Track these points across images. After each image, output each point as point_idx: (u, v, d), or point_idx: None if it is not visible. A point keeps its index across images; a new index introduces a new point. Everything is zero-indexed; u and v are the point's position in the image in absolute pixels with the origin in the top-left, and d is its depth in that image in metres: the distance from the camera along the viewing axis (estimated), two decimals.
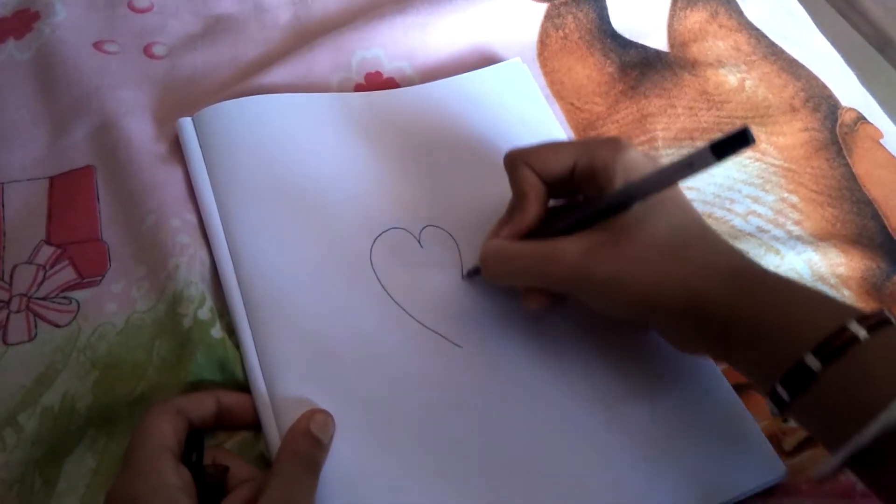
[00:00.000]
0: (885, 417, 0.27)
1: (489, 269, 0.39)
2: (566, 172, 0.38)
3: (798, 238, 0.48)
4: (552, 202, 0.40)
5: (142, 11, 0.55)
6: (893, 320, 0.30)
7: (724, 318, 0.33)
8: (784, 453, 0.39)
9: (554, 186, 0.39)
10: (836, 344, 0.29)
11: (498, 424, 0.38)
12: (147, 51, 0.53)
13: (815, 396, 0.30)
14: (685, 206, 0.37)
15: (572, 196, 0.41)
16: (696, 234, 0.36)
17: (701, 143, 0.52)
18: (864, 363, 0.29)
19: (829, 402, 0.30)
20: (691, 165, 0.32)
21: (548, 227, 0.39)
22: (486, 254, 0.39)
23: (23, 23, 0.53)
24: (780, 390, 0.31)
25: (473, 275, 0.42)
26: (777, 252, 0.47)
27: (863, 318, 0.30)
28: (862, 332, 0.29)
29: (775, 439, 0.39)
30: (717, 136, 0.30)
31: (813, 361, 0.30)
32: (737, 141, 0.30)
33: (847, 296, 0.46)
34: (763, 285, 0.33)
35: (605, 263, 0.35)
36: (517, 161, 0.39)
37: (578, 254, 0.36)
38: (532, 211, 0.38)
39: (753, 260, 0.35)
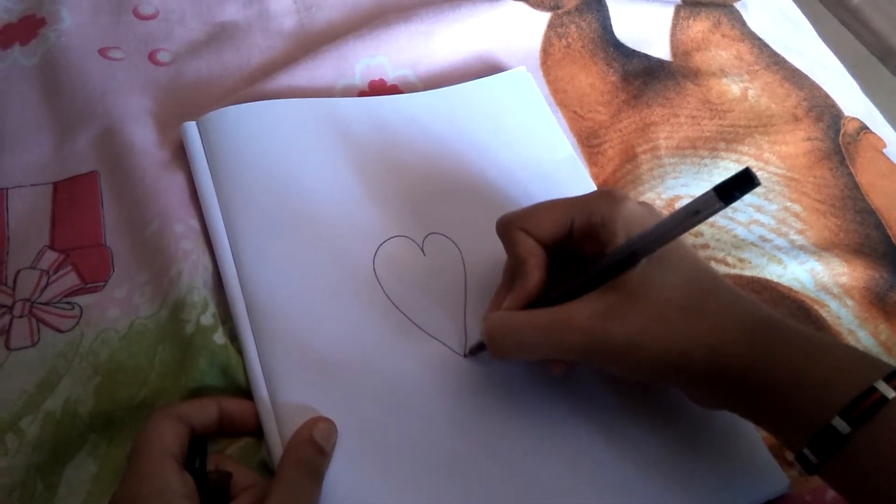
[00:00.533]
0: None
1: (497, 344, 0.36)
2: (564, 233, 0.37)
3: (801, 248, 0.48)
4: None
5: (147, 18, 0.55)
6: None
7: (747, 378, 0.32)
8: (787, 464, 0.39)
9: (552, 248, 0.37)
10: (864, 405, 0.28)
11: (500, 434, 0.38)
12: (152, 57, 0.53)
13: (846, 460, 0.29)
14: (693, 257, 0.36)
15: (572, 255, 0.39)
16: (711, 287, 0.34)
17: (706, 160, 0.52)
18: (894, 423, 0.28)
19: (861, 464, 0.29)
20: (697, 213, 0.31)
21: (552, 292, 0.36)
22: (491, 329, 0.36)
23: (29, 29, 0.53)
24: (809, 454, 0.30)
25: (477, 352, 0.40)
26: (780, 262, 0.47)
27: (890, 376, 0.29)
28: (891, 393, 0.28)
29: (778, 450, 0.39)
30: (721, 179, 0.29)
31: (841, 425, 0.28)
32: (741, 182, 0.28)
33: (850, 305, 0.46)
34: (784, 341, 0.32)
35: (620, 326, 0.33)
36: (511, 226, 0.37)
37: (590, 318, 0.33)
38: (534, 278, 0.36)
39: (770, 310, 0.34)
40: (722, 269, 0.46)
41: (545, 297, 0.36)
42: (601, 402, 0.39)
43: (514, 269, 0.38)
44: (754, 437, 0.39)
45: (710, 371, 0.32)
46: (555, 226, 0.37)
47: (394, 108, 0.50)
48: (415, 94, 0.51)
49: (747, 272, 0.46)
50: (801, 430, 0.30)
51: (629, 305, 0.33)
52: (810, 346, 0.32)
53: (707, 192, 0.29)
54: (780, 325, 0.33)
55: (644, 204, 0.37)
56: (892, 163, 0.54)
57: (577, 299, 0.35)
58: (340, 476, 0.35)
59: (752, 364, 0.32)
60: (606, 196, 0.36)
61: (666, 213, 0.48)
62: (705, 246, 0.48)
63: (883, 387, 0.28)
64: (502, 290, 0.39)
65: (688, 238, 0.48)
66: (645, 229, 0.34)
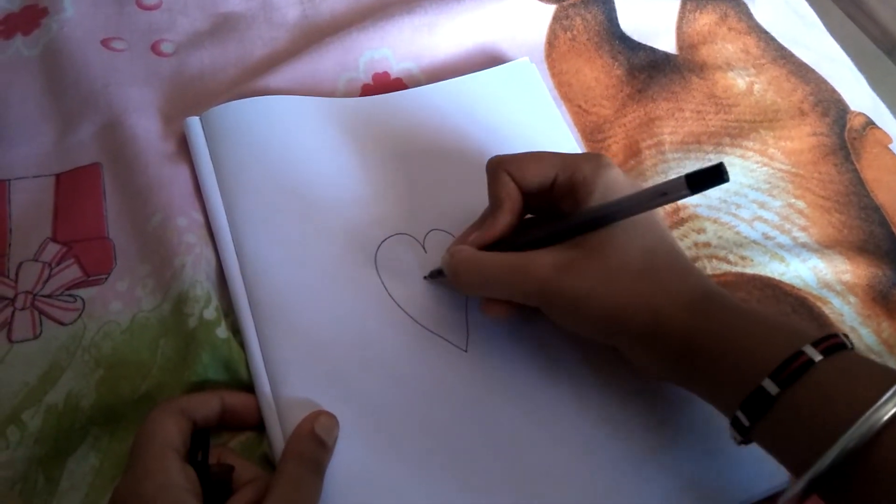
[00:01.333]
0: (843, 441, 0.27)
1: (459, 276, 0.38)
2: (546, 184, 0.38)
3: (803, 245, 0.48)
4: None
5: (150, 9, 0.55)
6: (848, 343, 0.31)
7: (686, 343, 0.33)
8: None
9: (531, 198, 0.39)
10: (792, 367, 0.30)
11: (501, 429, 0.38)
12: (155, 48, 0.53)
13: (775, 421, 0.30)
14: (659, 230, 0.37)
15: (544, 212, 0.40)
16: (667, 259, 0.36)
17: (711, 154, 0.51)
18: (820, 386, 0.29)
19: (789, 426, 0.30)
20: (665, 194, 0.33)
21: (517, 239, 0.38)
22: (456, 261, 0.38)
23: (31, 18, 0.53)
24: (741, 416, 0.31)
25: (436, 276, 0.42)
26: (782, 259, 0.47)
27: (818, 342, 0.30)
28: (817, 356, 0.30)
29: None
30: (698, 167, 0.32)
31: (770, 386, 0.30)
32: (712, 175, 0.30)
33: (853, 302, 0.46)
34: (725, 311, 0.34)
35: (575, 279, 0.35)
36: (498, 168, 0.39)
37: (550, 268, 0.35)
38: (505, 219, 0.38)
39: (718, 287, 0.35)
40: (723, 267, 0.46)
41: (510, 241, 0.38)
42: (603, 394, 0.39)
43: (489, 210, 0.39)
44: None
45: (652, 333, 0.34)
46: (538, 175, 0.38)
47: (397, 105, 0.50)
48: (417, 88, 0.51)
49: (749, 270, 0.46)
50: (735, 393, 0.31)
51: (587, 262, 0.35)
52: (749, 317, 0.33)
53: (678, 178, 0.32)
54: (723, 298, 0.34)
55: (628, 177, 0.38)
56: None
57: (542, 249, 0.37)
58: (342, 469, 0.35)
59: (691, 330, 0.33)
60: (594, 159, 0.38)
61: (669, 207, 0.48)
62: (707, 244, 0.47)
63: (810, 350, 0.30)
64: (472, 229, 0.41)
65: (691, 236, 0.48)
66: (614, 199, 0.36)
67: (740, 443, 0.33)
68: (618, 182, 0.37)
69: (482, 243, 0.38)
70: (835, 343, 0.30)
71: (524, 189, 0.38)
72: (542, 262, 0.36)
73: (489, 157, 0.47)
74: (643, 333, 0.34)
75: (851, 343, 0.31)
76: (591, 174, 0.37)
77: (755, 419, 0.31)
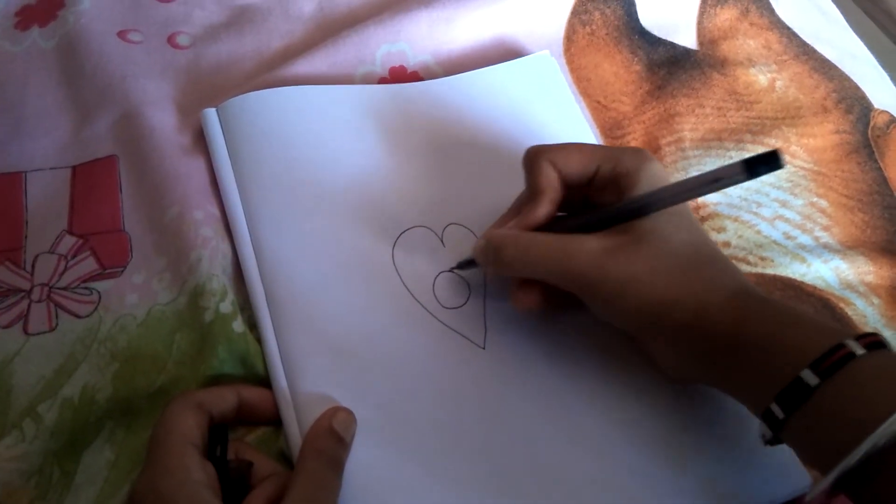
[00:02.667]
0: (875, 437, 0.27)
1: (503, 254, 0.37)
2: (587, 175, 0.38)
3: (825, 246, 0.47)
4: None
5: (166, 1, 0.55)
6: (887, 343, 0.31)
7: (729, 335, 0.33)
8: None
9: (570, 190, 0.38)
10: (832, 359, 0.29)
11: (518, 428, 0.37)
12: (171, 40, 0.53)
13: (810, 414, 0.30)
14: (697, 224, 0.37)
15: (575, 207, 0.40)
16: (710, 252, 0.36)
17: (732, 152, 0.51)
18: (860, 380, 0.29)
19: (823, 420, 0.29)
20: (718, 180, 0.32)
21: (556, 226, 0.38)
22: (499, 239, 0.37)
23: (48, 10, 0.53)
24: (775, 408, 0.30)
25: (465, 267, 0.41)
26: (803, 260, 0.46)
27: (860, 337, 0.30)
28: (859, 350, 0.29)
29: None
30: (747, 143, 0.31)
31: (810, 377, 0.29)
32: (768, 160, 0.30)
33: (877, 304, 0.45)
34: (766, 306, 0.33)
35: (623, 265, 0.35)
36: (540, 157, 0.38)
37: (597, 252, 0.35)
38: (545, 208, 0.37)
39: (756, 287, 0.35)
40: (743, 267, 0.46)
41: (549, 229, 0.37)
42: (621, 395, 0.39)
43: (528, 198, 0.38)
44: None
45: (693, 323, 0.34)
46: (581, 165, 0.38)
47: (415, 95, 0.49)
48: (436, 80, 0.50)
49: (769, 271, 0.46)
50: (770, 386, 0.31)
51: (635, 248, 0.35)
52: (791, 313, 0.33)
53: (733, 163, 0.31)
54: (766, 296, 0.34)
55: (666, 171, 0.38)
56: None
57: (587, 234, 0.36)
58: (359, 466, 0.35)
59: (736, 321, 0.33)
60: (637, 151, 0.38)
61: (690, 204, 0.47)
62: (726, 244, 0.47)
63: (852, 344, 0.30)
64: (507, 217, 0.40)
65: (710, 234, 0.47)
66: (664, 186, 0.36)
67: (767, 442, 0.32)
68: (660, 176, 0.37)
69: (523, 229, 0.38)
70: (874, 341, 0.30)
71: (565, 179, 0.38)
72: (590, 244, 0.35)
73: (508, 150, 0.47)
74: (684, 325, 0.34)
75: (889, 344, 0.31)
76: (635, 166, 0.37)
77: (790, 411, 0.30)
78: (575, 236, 0.36)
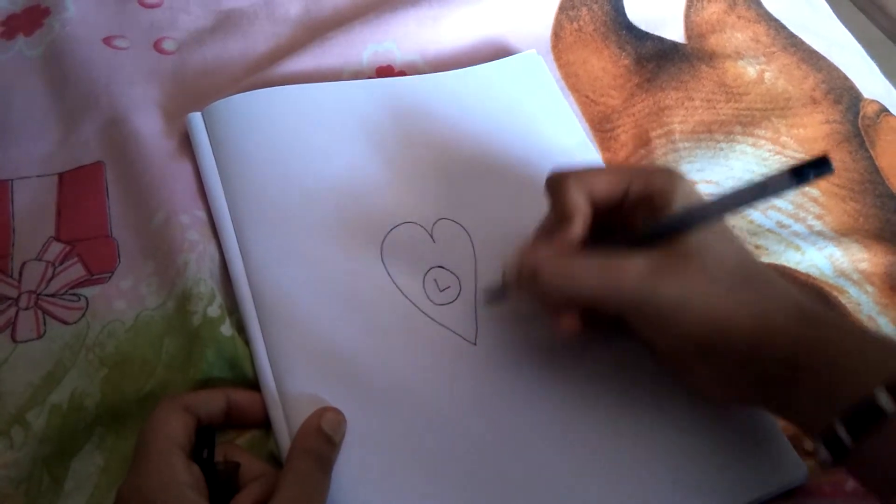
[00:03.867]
0: None
1: (546, 277, 0.34)
2: (616, 196, 0.36)
3: (819, 233, 0.47)
4: None
5: (152, 7, 0.55)
6: None
7: (790, 355, 0.31)
8: (805, 454, 0.38)
9: (598, 213, 0.36)
10: None
11: (510, 423, 0.37)
12: (157, 46, 0.52)
13: (881, 440, 0.28)
14: (741, 240, 0.35)
15: (604, 230, 0.37)
16: (760, 269, 0.34)
17: (722, 143, 0.51)
18: None
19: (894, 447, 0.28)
20: (766, 188, 0.31)
21: (590, 250, 0.35)
22: (540, 261, 0.34)
23: (33, 19, 0.53)
24: (842, 433, 0.28)
25: (495, 300, 0.39)
26: (797, 248, 0.46)
27: None
28: None
29: (797, 440, 0.38)
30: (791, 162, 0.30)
31: (885, 400, 0.27)
32: (818, 165, 0.29)
33: (871, 291, 0.45)
34: (830, 323, 0.32)
35: (675, 284, 0.32)
36: (566, 179, 0.36)
37: (645, 271, 0.33)
38: (577, 230, 0.35)
39: (815, 304, 0.33)
40: None
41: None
42: (617, 391, 0.38)
43: (557, 222, 0.36)
44: (772, 425, 0.38)
45: (753, 344, 0.32)
46: (611, 186, 0.36)
47: (402, 92, 0.49)
48: (424, 76, 0.50)
49: (763, 259, 0.45)
50: (835, 409, 0.29)
51: (684, 266, 0.33)
52: (854, 331, 0.31)
53: (781, 171, 0.30)
54: (826, 312, 0.33)
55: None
56: None
57: (631, 253, 0.34)
58: (349, 466, 0.35)
59: (798, 340, 0.31)
60: (667, 170, 0.36)
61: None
62: None
63: None
64: (535, 243, 0.38)
65: None
66: (711, 198, 0.33)
67: (823, 464, 0.30)
68: (693, 193, 0.35)
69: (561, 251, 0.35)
70: None
71: (595, 200, 0.36)
72: (635, 264, 0.33)
73: (497, 147, 0.47)
74: (744, 344, 0.32)
75: None
76: (667, 184, 0.35)
77: (858, 436, 0.28)
78: (618, 256, 0.34)
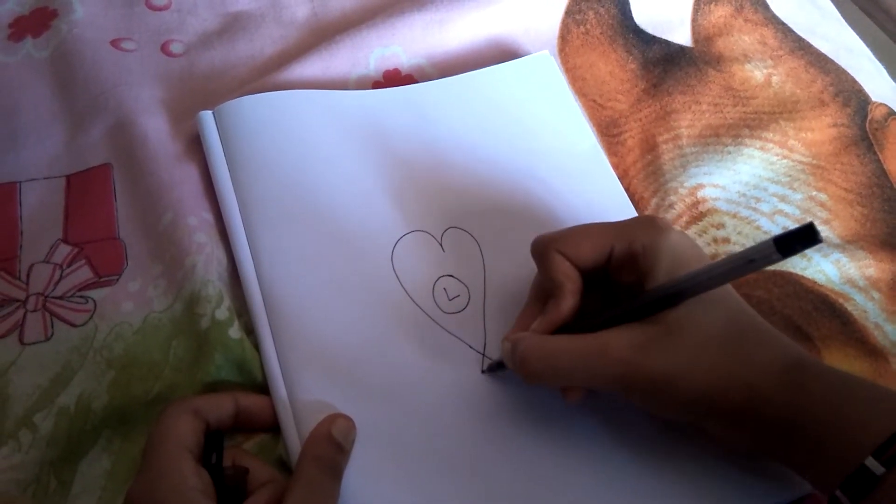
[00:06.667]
0: None
1: (531, 367, 0.35)
2: (602, 259, 0.36)
3: (826, 240, 0.47)
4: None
5: (159, 9, 0.55)
6: None
7: (782, 419, 0.31)
8: None
9: (588, 274, 0.36)
10: None
11: (518, 433, 0.37)
12: (164, 48, 0.53)
13: (882, 497, 0.28)
14: (733, 295, 0.35)
15: (597, 286, 0.38)
16: (750, 325, 0.34)
17: (730, 147, 0.50)
18: None
19: None
20: (752, 262, 0.30)
21: (584, 320, 0.36)
22: (525, 351, 0.35)
23: (41, 21, 0.53)
24: (842, 497, 0.29)
25: (496, 370, 0.39)
26: (803, 254, 0.46)
27: None
28: None
29: None
30: (779, 231, 0.29)
31: (875, 465, 0.28)
32: (802, 236, 0.28)
33: (877, 298, 0.45)
34: (820, 382, 0.32)
35: (659, 359, 0.32)
36: (548, 248, 0.36)
37: (629, 349, 0.33)
38: (568, 303, 0.35)
39: (804, 350, 0.33)
40: None
41: (576, 323, 0.36)
42: (621, 405, 0.38)
43: (546, 291, 0.37)
44: None
45: (746, 409, 0.32)
46: (594, 251, 0.36)
47: (413, 98, 0.49)
48: (432, 82, 0.50)
49: (770, 267, 0.45)
50: (834, 472, 0.30)
51: (669, 340, 0.33)
52: (847, 388, 0.31)
53: (765, 242, 0.29)
54: (816, 366, 0.32)
55: (683, 234, 0.36)
56: None
57: (614, 329, 0.34)
58: (358, 473, 0.35)
59: (788, 403, 0.31)
60: (649, 224, 0.36)
61: (687, 201, 0.47)
62: (726, 240, 0.46)
63: None
64: (529, 310, 0.38)
65: (710, 231, 0.47)
66: (695, 270, 0.33)
67: None
68: (680, 245, 0.35)
69: (547, 331, 0.36)
70: None
71: (580, 267, 0.36)
72: (620, 342, 0.33)
73: (508, 152, 0.47)
74: (735, 412, 0.32)
75: None
76: (651, 242, 0.34)
77: (857, 500, 0.29)
78: (602, 334, 0.34)
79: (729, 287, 0.35)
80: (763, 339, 0.33)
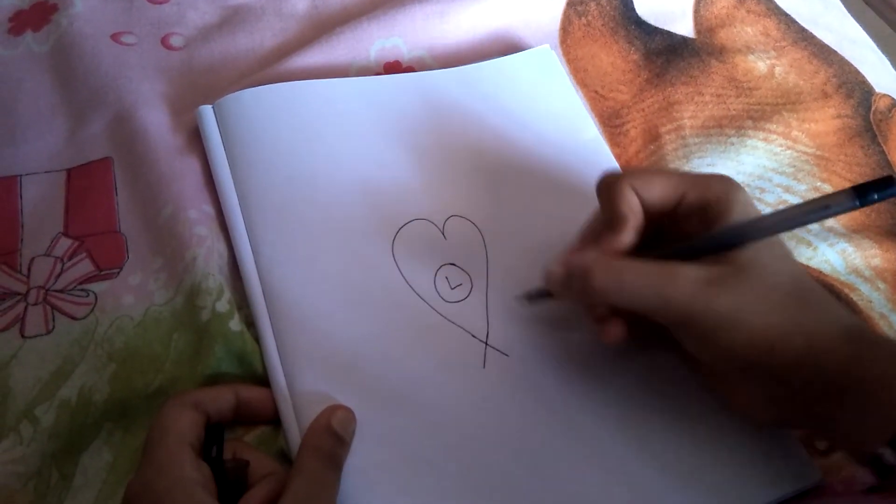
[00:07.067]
0: None
1: (596, 281, 0.33)
2: (671, 202, 0.35)
3: (830, 230, 0.47)
4: None
5: (159, 3, 0.54)
6: None
7: (839, 374, 0.31)
8: (818, 453, 0.38)
9: (650, 219, 0.36)
10: None
11: (522, 422, 0.37)
12: (165, 42, 0.52)
13: None
14: (794, 257, 0.35)
15: (654, 237, 0.37)
16: (813, 286, 0.34)
17: (733, 138, 0.50)
18: None
19: None
20: (828, 207, 0.31)
21: (650, 252, 0.35)
22: (590, 263, 0.33)
23: (41, 15, 0.53)
24: (887, 453, 0.29)
25: (535, 299, 0.38)
26: (809, 244, 0.46)
27: None
28: None
29: (808, 440, 0.38)
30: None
31: None
32: (882, 186, 0.29)
33: (882, 288, 0.45)
34: (880, 346, 0.31)
35: (728, 295, 0.32)
36: (621, 182, 0.35)
37: (700, 282, 0.32)
38: (629, 237, 0.35)
39: (868, 326, 0.34)
40: None
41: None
42: (628, 395, 0.38)
43: (608, 225, 0.36)
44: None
45: (802, 362, 0.31)
46: (666, 192, 0.35)
47: (414, 87, 0.49)
48: (435, 71, 0.50)
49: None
50: (880, 431, 0.29)
51: (739, 279, 0.32)
52: None
53: (845, 189, 0.30)
54: (874, 332, 0.33)
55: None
56: None
57: (684, 263, 0.33)
58: (358, 464, 0.34)
59: (848, 361, 0.31)
60: (724, 178, 0.35)
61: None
62: None
63: None
64: (580, 245, 0.37)
65: None
66: (770, 213, 0.33)
67: (872, 487, 0.31)
68: (749, 203, 0.35)
69: (611, 255, 0.35)
70: None
71: (648, 206, 0.35)
72: (690, 274, 0.32)
73: (510, 143, 0.46)
74: (792, 361, 0.32)
75: None
76: (725, 193, 0.34)
77: None
78: (672, 264, 0.33)
79: (788, 249, 0.35)
80: (826, 300, 0.33)
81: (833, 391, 0.31)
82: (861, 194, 0.29)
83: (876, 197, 0.29)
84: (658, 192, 0.35)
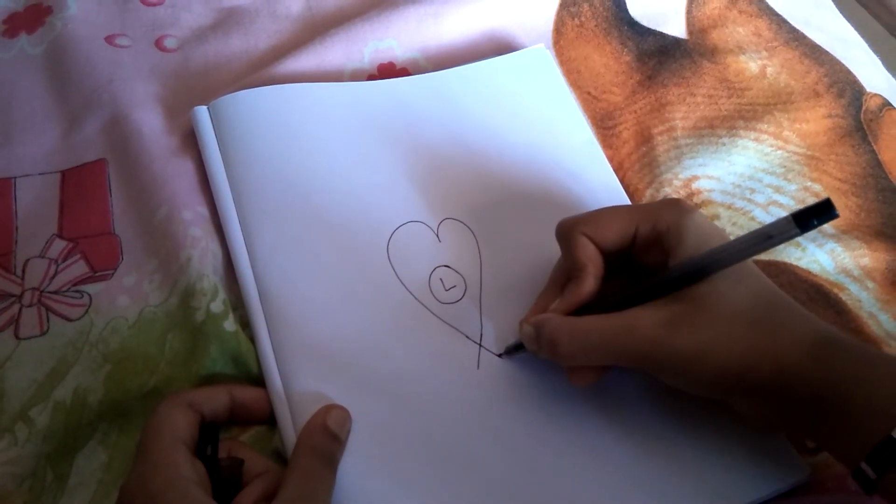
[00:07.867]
0: None
1: (563, 349, 0.34)
2: (627, 240, 0.36)
3: (820, 230, 0.47)
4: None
5: (153, 5, 0.55)
6: None
7: (810, 394, 0.31)
8: (807, 451, 0.38)
9: (610, 257, 0.37)
10: None
11: (514, 424, 0.37)
12: (159, 44, 0.53)
13: None
14: (757, 271, 0.35)
15: (619, 271, 0.38)
16: (776, 301, 0.34)
17: (724, 139, 0.50)
18: None
19: None
20: (770, 237, 0.31)
21: (603, 300, 0.36)
22: (554, 330, 0.35)
23: (35, 17, 0.53)
24: (866, 468, 0.29)
25: (513, 353, 0.39)
26: (798, 244, 0.46)
27: None
28: None
29: (797, 438, 0.38)
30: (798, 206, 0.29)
31: None
32: (820, 211, 0.28)
33: (871, 288, 0.45)
34: (849, 356, 0.32)
35: (688, 335, 0.32)
36: (574, 230, 0.36)
37: (658, 326, 0.33)
38: (590, 285, 0.36)
39: (831, 326, 0.34)
40: None
41: (595, 305, 0.36)
42: (618, 395, 0.38)
43: (568, 273, 0.37)
44: None
45: (774, 384, 0.32)
46: (619, 233, 0.36)
47: (409, 91, 0.49)
48: (428, 74, 0.50)
49: (764, 256, 0.45)
50: (860, 444, 0.30)
51: (697, 315, 0.33)
52: (873, 361, 0.31)
53: (784, 218, 0.30)
54: (844, 341, 0.33)
55: (705, 216, 0.37)
56: None
57: (640, 307, 0.34)
58: (353, 464, 0.35)
59: (816, 378, 0.31)
60: (674, 205, 0.36)
61: (682, 193, 0.47)
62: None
63: None
64: (549, 293, 0.39)
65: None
66: (717, 247, 0.33)
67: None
68: (704, 226, 0.35)
69: (568, 312, 0.36)
70: None
71: (604, 249, 0.36)
72: (647, 320, 0.33)
73: (504, 144, 0.47)
74: (764, 386, 0.32)
75: None
76: (676, 221, 0.35)
77: (883, 472, 0.29)
78: (629, 312, 0.34)
79: (753, 265, 0.35)
80: (790, 314, 0.34)
81: (808, 406, 0.32)
82: (800, 221, 0.29)
83: (815, 223, 0.29)
84: (611, 233, 0.36)
